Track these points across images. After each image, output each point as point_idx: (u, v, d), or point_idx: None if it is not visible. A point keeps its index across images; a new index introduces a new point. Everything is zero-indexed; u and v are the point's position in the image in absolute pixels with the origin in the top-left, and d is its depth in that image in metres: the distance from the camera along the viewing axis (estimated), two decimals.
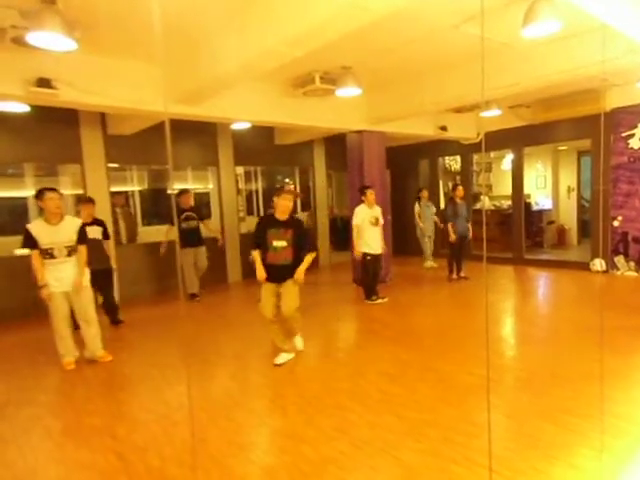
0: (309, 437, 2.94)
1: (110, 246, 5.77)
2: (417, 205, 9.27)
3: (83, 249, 4.39)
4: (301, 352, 4.52)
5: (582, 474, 2.42)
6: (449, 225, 7.61)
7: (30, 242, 4.10)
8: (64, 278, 4.23)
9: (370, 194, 6.40)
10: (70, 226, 4.30)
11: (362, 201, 6.46)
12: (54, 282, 4.18)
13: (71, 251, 4.27)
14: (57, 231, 4.18)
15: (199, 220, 7.07)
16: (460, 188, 7.83)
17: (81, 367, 4.44)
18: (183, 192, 7.13)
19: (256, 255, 4.20)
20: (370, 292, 6.51)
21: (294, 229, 4.19)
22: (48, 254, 4.14)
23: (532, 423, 2.97)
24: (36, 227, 4.16)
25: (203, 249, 7.10)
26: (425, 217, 9.22)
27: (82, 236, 4.39)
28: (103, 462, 2.77)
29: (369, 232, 6.37)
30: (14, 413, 3.53)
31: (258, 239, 4.23)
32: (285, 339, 4.37)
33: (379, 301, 6.48)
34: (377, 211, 6.51)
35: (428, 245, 9.29)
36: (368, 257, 6.40)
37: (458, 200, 7.73)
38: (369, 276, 6.50)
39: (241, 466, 2.67)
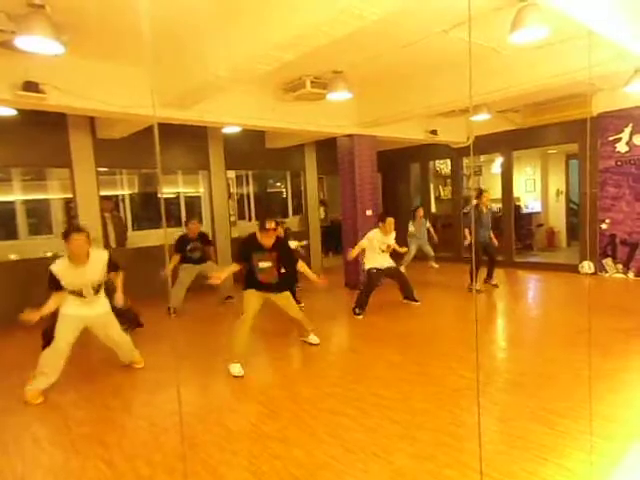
0: (302, 442, 2.93)
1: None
2: (411, 224, 8.80)
3: (114, 275, 4.19)
4: (292, 355, 4.51)
5: (572, 476, 2.43)
6: (466, 230, 7.34)
7: (54, 284, 3.83)
8: (91, 314, 4.02)
9: (389, 223, 6.01)
10: (97, 263, 3.95)
11: (377, 226, 6.13)
12: (77, 311, 3.96)
13: (99, 288, 4.05)
14: (83, 273, 3.85)
15: (203, 247, 6.84)
16: (486, 195, 7.02)
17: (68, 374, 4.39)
18: (191, 221, 6.85)
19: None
20: (361, 304, 6.13)
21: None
22: (76, 293, 3.91)
23: (522, 425, 2.98)
24: (60, 269, 3.82)
25: (210, 264, 6.88)
26: (421, 232, 8.86)
27: (111, 266, 4.10)
28: (92, 470, 2.74)
29: (377, 256, 6.09)
30: (1, 421, 3.48)
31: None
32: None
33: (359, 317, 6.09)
34: (391, 238, 6.14)
35: (418, 250, 8.93)
36: (374, 271, 6.12)
37: (484, 209, 7.05)
38: (367, 290, 6.17)
39: (233, 472, 2.65)
